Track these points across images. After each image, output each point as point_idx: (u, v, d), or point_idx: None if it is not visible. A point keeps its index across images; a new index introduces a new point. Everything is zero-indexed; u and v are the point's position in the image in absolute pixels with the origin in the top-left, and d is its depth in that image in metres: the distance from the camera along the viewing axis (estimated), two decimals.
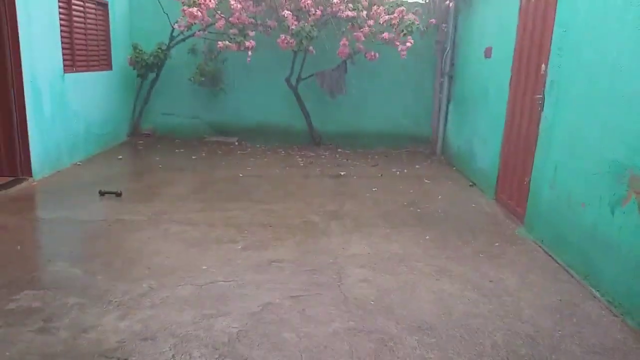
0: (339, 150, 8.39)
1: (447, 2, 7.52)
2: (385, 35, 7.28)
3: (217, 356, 2.61)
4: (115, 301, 3.14)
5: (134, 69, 7.94)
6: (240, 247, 4.10)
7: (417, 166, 7.44)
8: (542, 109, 4.43)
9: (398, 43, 7.30)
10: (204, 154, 7.67)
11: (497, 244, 4.38)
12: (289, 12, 7.00)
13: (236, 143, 8.52)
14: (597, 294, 3.42)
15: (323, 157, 7.90)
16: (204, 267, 3.66)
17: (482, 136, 6.24)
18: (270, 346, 2.72)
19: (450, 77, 7.79)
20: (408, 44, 7.27)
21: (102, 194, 5.30)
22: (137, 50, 7.82)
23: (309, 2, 6.93)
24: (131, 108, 8.45)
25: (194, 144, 8.29)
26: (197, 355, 2.61)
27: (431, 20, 7.66)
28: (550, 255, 4.11)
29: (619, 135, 3.32)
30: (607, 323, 3.11)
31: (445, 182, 6.60)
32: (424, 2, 7.82)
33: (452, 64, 7.73)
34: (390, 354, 2.69)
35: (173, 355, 2.60)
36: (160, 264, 3.71)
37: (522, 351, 2.77)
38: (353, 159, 7.81)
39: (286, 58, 7.92)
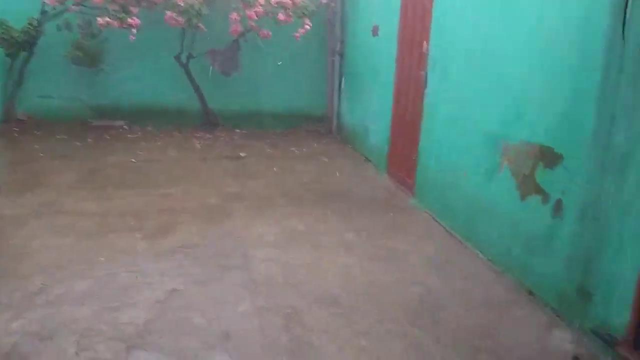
0: (237, 131, 8.31)
1: None
2: (281, 16, 7.26)
3: (125, 348, 2.54)
4: (4, 302, 2.90)
5: (1, 47, 7.12)
6: (139, 235, 3.96)
7: (315, 145, 7.62)
8: (425, 86, 4.76)
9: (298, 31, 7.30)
10: (90, 140, 7.16)
11: (391, 214, 4.68)
12: None
13: (125, 127, 8.06)
14: (480, 254, 3.83)
15: (221, 138, 7.78)
16: (101, 259, 3.48)
17: (374, 113, 6.55)
18: (181, 333, 2.70)
19: (341, 56, 8.02)
20: (307, 27, 7.30)
21: None
22: (4, 27, 7.02)
23: None
24: (1, 91, 7.61)
25: (77, 129, 7.69)
26: (102, 350, 2.51)
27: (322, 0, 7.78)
28: (438, 222, 4.49)
29: (493, 109, 3.70)
30: (489, 279, 3.50)
31: (342, 159, 6.86)
32: None
33: (342, 42, 7.95)
34: (299, 327, 2.80)
35: (76, 353, 2.48)
36: (52, 259, 3.46)
37: (418, 310, 3.03)
38: (251, 139, 7.79)
39: (175, 35, 7.60)
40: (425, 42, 4.77)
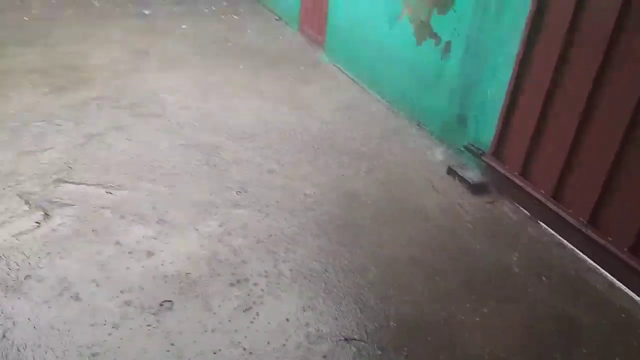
0: None
1: None
2: None
3: (52, 181, 2.70)
4: None
5: None
6: (47, 90, 3.89)
7: (224, 3, 7.35)
8: None
9: None
10: None
11: (302, 68, 4.89)
12: None
13: None
14: (380, 98, 4.22)
15: None
16: (11, 112, 3.45)
17: None
18: (104, 168, 2.89)
19: None
20: None
21: None
22: None
23: None
24: None
25: None
26: (29, 190, 2.65)
27: None
28: (345, 73, 4.78)
29: None
30: (387, 117, 3.93)
31: (252, 17, 6.75)
32: None
33: None
34: (218, 158, 3.09)
35: (2, 188, 2.62)
36: None
37: (320, 140, 3.41)
38: None
39: None
40: None
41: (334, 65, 5.00)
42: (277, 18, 6.69)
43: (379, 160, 3.22)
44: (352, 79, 4.65)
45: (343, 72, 4.81)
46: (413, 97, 3.79)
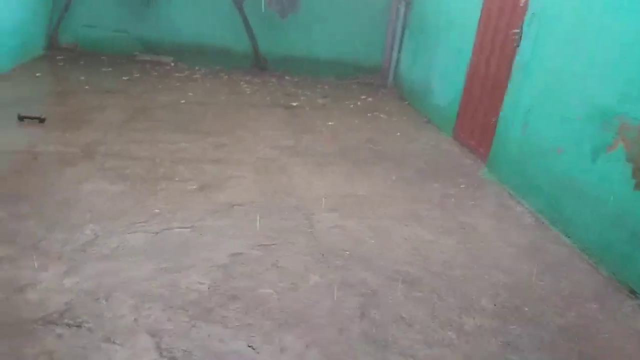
0: (286, 77, 7.85)
1: None
2: None
3: (187, 320, 2.27)
4: (55, 252, 2.66)
5: None
6: (194, 186, 3.67)
7: (369, 99, 7.13)
8: (517, 45, 4.20)
9: None
10: (136, 75, 6.84)
11: (462, 186, 4.27)
12: None
13: (172, 64, 7.69)
14: (568, 241, 3.41)
15: (270, 84, 7.35)
16: (156, 211, 3.21)
17: (442, 70, 6.00)
18: (247, 305, 2.42)
19: (408, 3, 7.34)
20: None
21: (21, 118, 4.52)
22: None
23: None
24: (47, 17, 7.28)
25: (122, 62, 7.37)
26: (164, 319, 2.26)
27: None
28: (516, 199, 4.06)
29: (609, 78, 3.17)
30: (581, 271, 3.11)
31: (400, 117, 6.38)
32: None
33: None
34: (375, 310, 2.49)
35: (135, 320, 2.23)
36: (103, 206, 3.21)
37: (507, 302, 2.68)
38: (302, 87, 7.33)
39: None
40: None
41: (500, 185, 4.31)
42: (427, 120, 6.24)
43: (584, 344, 2.40)
44: (526, 208, 3.90)
45: (513, 198, 4.09)
46: (624, 253, 2.94)
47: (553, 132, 3.70)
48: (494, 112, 4.55)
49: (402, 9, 7.45)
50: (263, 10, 7.47)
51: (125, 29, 7.63)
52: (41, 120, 4.53)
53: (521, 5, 4.21)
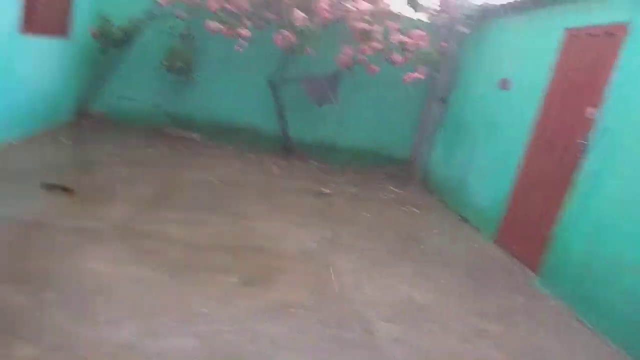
0: (314, 162, 7.69)
1: (458, 25, 6.99)
2: (397, 57, 6.69)
3: None
4: (86, 356, 2.26)
5: (97, 41, 6.78)
6: (237, 280, 3.31)
7: (399, 191, 6.92)
8: (581, 156, 4.05)
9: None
10: (164, 149, 6.66)
11: (520, 299, 3.92)
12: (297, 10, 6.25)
13: (198, 140, 7.55)
14: None
15: (298, 168, 7.18)
16: (203, 310, 2.83)
17: (482, 170, 5.84)
18: None
19: (444, 102, 7.36)
20: (417, 74, 6.71)
21: (47, 187, 4.24)
22: (104, 22, 6.68)
23: (322, 4, 6.23)
24: (84, 85, 7.23)
25: (150, 135, 7.23)
26: None
27: (443, 43, 7.04)
28: (580, 320, 3.69)
29: None
30: None
31: (433, 213, 6.15)
32: (427, 21, 7.24)
33: (448, 89, 7.29)
34: None
35: None
36: (142, 300, 2.83)
37: None
38: (331, 174, 7.14)
39: (269, 56, 7.11)
40: (591, 107, 4.07)
41: (558, 299, 3.96)
42: (461, 218, 5.99)
43: None
44: (591, 329, 3.54)
45: (575, 314, 3.73)
46: None
47: (624, 248, 3.44)
48: (550, 221, 4.30)
49: (437, 107, 7.43)
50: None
51: (159, 103, 7.56)
52: (68, 191, 4.25)
53: (589, 117, 4.08)
